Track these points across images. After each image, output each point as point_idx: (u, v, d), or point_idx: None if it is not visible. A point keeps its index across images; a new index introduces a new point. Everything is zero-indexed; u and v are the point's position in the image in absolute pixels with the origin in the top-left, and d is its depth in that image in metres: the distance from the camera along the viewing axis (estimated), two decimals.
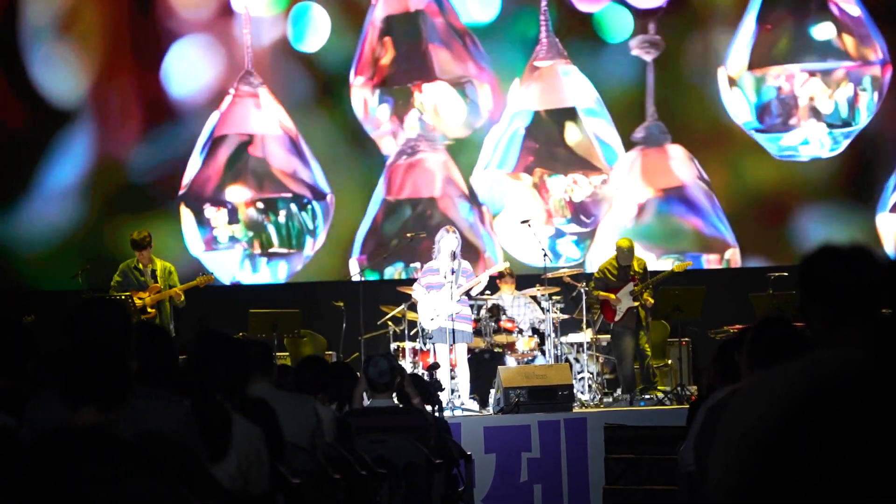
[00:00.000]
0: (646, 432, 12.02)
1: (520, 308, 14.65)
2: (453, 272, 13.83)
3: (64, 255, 15.95)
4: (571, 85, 16.55)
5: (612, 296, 14.32)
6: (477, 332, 14.35)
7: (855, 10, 16.33)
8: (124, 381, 4.24)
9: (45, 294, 15.47)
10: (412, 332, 14.22)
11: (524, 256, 16.05)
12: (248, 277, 16.36)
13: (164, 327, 13.56)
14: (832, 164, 16.56)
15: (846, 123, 16.36)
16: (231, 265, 16.33)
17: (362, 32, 16.52)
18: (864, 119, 16.35)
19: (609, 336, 14.74)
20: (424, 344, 14.00)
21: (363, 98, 16.52)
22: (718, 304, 14.89)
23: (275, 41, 16.54)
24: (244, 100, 16.41)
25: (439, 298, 13.82)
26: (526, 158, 16.48)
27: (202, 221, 16.30)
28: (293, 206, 16.35)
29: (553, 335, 14.32)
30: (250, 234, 16.33)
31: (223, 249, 16.33)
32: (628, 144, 16.58)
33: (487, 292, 14.47)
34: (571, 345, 14.68)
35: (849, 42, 16.32)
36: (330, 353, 14.90)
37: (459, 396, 13.72)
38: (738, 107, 16.44)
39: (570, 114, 16.52)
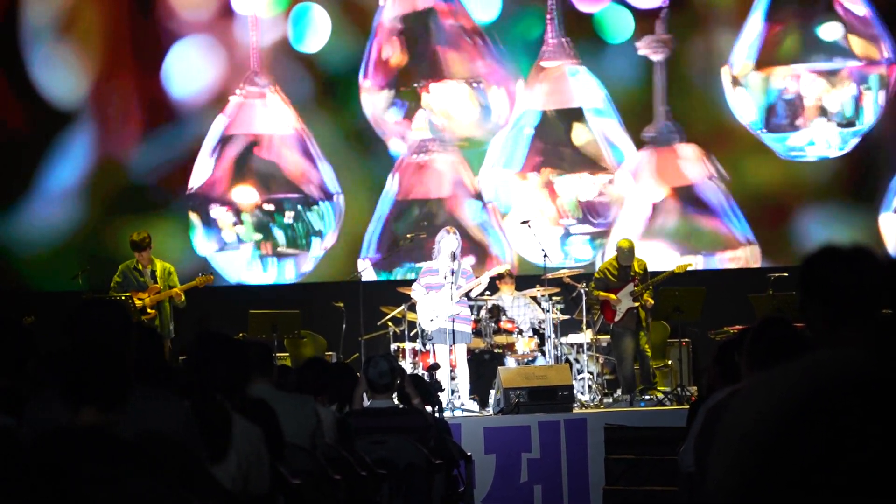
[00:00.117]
0: (646, 433, 12.02)
1: (520, 309, 14.65)
2: (453, 273, 13.84)
3: (64, 255, 15.95)
4: (579, 85, 16.55)
5: (613, 296, 14.32)
6: (477, 333, 14.34)
7: (861, 10, 16.34)
8: (124, 381, 4.24)
9: (46, 294, 15.47)
10: (412, 333, 14.21)
11: (534, 256, 16.02)
12: (255, 278, 16.36)
13: (153, 327, 13.62)
14: (834, 165, 16.56)
15: (853, 123, 16.37)
16: (239, 265, 16.34)
17: (371, 33, 16.53)
18: (871, 119, 16.36)
19: (609, 337, 14.75)
20: (424, 345, 14.00)
21: (373, 99, 16.53)
22: (718, 304, 14.89)
23: (275, 42, 16.54)
24: (252, 100, 16.42)
25: (439, 299, 13.82)
26: (533, 158, 16.49)
27: (210, 222, 16.30)
28: (301, 207, 16.36)
29: (553, 336, 14.32)
30: (258, 234, 16.34)
31: (231, 250, 16.34)
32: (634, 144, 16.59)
33: (487, 293, 14.47)
34: (571, 345, 14.68)
35: (855, 42, 16.33)
36: (330, 353, 14.90)
37: (459, 397, 13.72)
38: (745, 106, 16.44)
39: (578, 114, 16.52)
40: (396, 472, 7.95)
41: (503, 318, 14.52)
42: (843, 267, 3.07)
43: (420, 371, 13.24)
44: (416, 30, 16.58)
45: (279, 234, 16.35)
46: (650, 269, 14.79)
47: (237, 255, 16.35)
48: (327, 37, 16.61)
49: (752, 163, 16.59)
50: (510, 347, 14.41)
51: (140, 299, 13.93)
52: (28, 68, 16.34)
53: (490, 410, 13.64)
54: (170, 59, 16.48)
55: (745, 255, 16.47)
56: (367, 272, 16.20)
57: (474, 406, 13.84)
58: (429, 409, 9.49)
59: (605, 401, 14.20)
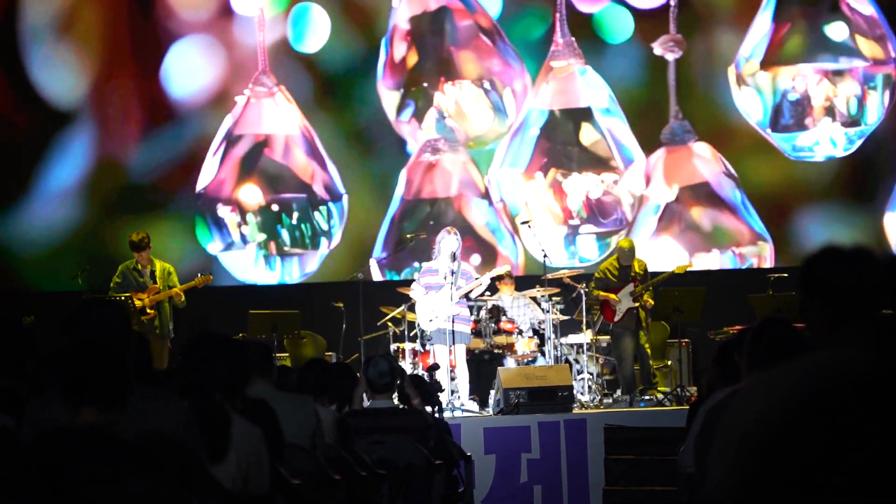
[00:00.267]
0: (645, 433, 12.02)
1: (519, 309, 14.66)
2: (452, 273, 13.84)
3: (63, 255, 15.94)
4: (588, 85, 16.55)
5: (613, 296, 14.32)
6: (477, 334, 14.34)
7: (868, 10, 16.35)
8: (124, 381, 4.24)
9: (45, 295, 15.47)
10: (412, 334, 14.21)
11: (540, 256, 15.99)
12: (262, 278, 16.37)
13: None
14: (838, 165, 16.57)
15: (860, 123, 16.38)
16: (245, 265, 16.35)
17: (387, 33, 16.53)
18: (877, 118, 16.37)
19: (609, 337, 14.75)
20: (424, 345, 14.00)
21: (390, 98, 16.54)
22: (718, 305, 14.89)
23: (275, 42, 16.53)
24: (261, 100, 16.42)
25: (438, 299, 13.82)
26: (540, 158, 16.49)
27: (217, 221, 16.31)
28: (308, 207, 16.37)
29: (553, 336, 14.32)
30: (264, 234, 16.35)
31: (237, 249, 16.35)
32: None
33: (487, 293, 14.47)
34: (571, 346, 14.68)
35: (862, 41, 16.34)
36: (330, 353, 14.90)
37: (459, 397, 13.72)
38: (752, 106, 16.44)
39: (586, 114, 16.52)
40: (396, 472, 7.95)
41: (503, 318, 14.52)
42: (843, 267, 3.07)
43: (420, 371, 13.24)
44: (428, 30, 16.58)
45: (285, 234, 16.36)
46: (664, 267, 14.84)
47: (243, 255, 16.35)
48: (327, 37, 16.61)
49: (754, 162, 16.59)
50: (510, 348, 14.41)
51: (140, 299, 13.93)
52: (27, 68, 16.33)
53: (490, 411, 13.64)
54: (169, 59, 16.47)
55: (761, 252, 16.46)
56: (375, 272, 16.22)
57: (474, 406, 13.84)
58: (429, 409, 9.49)
59: (604, 401, 14.20)
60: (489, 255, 16.26)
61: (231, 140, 16.36)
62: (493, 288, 14.65)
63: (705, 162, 16.53)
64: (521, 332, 14.45)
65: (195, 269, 14.85)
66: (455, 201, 16.52)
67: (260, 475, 5.04)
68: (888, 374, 1.76)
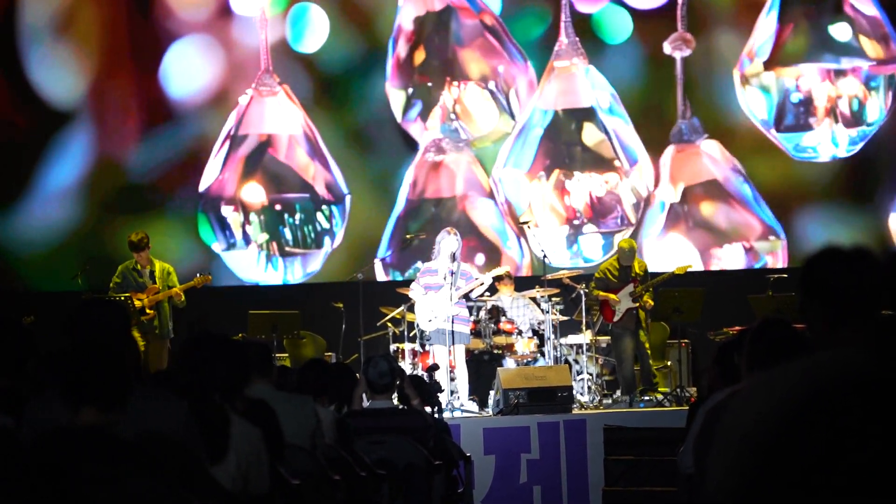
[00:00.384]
0: (645, 434, 12.02)
1: (519, 309, 14.66)
2: (452, 274, 13.84)
3: (63, 255, 15.94)
4: (590, 84, 16.55)
5: (612, 296, 14.32)
6: (476, 334, 14.34)
7: (871, 10, 16.36)
8: (124, 381, 4.24)
9: (45, 295, 15.47)
10: (411, 334, 14.21)
11: (550, 257, 15.97)
12: (264, 277, 16.37)
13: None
14: (840, 165, 16.58)
15: (864, 123, 16.40)
16: (248, 265, 16.35)
17: (392, 33, 16.54)
18: (880, 118, 16.38)
19: (608, 338, 14.75)
20: (423, 346, 14.00)
21: (396, 98, 16.54)
22: (718, 305, 14.89)
23: (273, 42, 16.53)
24: (265, 99, 16.42)
25: (437, 300, 13.82)
26: (544, 158, 16.50)
27: (219, 221, 16.32)
28: (311, 207, 16.37)
29: (552, 337, 14.32)
30: (267, 234, 16.35)
31: (240, 249, 16.35)
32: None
33: (487, 294, 14.47)
34: (571, 346, 14.68)
35: (865, 42, 16.35)
36: (329, 354, 14.91)
37: (459, 398, 13.72)
38: (756, 106, 16.45)
39: (590, 113, 16.52)
40: (396, 472, 7.95)
41: (503, 319, 14.52)
42: (843, 268, 3.07)
43: (419, 372, 13.24)
44: (433, 29, 16.58)
45: (288, 234, 16.36)
46: (673, 266, 14.85)
47: (246, 254, 16.36)
48: (325, 37, 16.61)
49: (756, 162, 16.58)
50: (509, 348, 14.41)
51: (139, 299, 13.93)
52: (26, 68, 16.33)
53: (489, 411, 13.63)
54: (168, 59, 16.47)
55: (774, 248, 16.47)
56: (379, 272, 16.22)
57: (474, 407, 13.84)
58: (428, 409, 9.49)
59: (604, 402, 14.20)
60: (493, 255, 16.26)
61: (234, 139, 16.36)
62: (492, 288, 14.66)
63: (714, 159, 16.54)
64: (520, 333, 14.45)
65: (194, 269, 14.85)
66: (460, 201, 16.53)
67: (260, 475, 5.04)
68: (888, 375, 1.77)
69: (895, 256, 3.11)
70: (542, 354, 14.39)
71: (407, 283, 14.89)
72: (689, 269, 14.98)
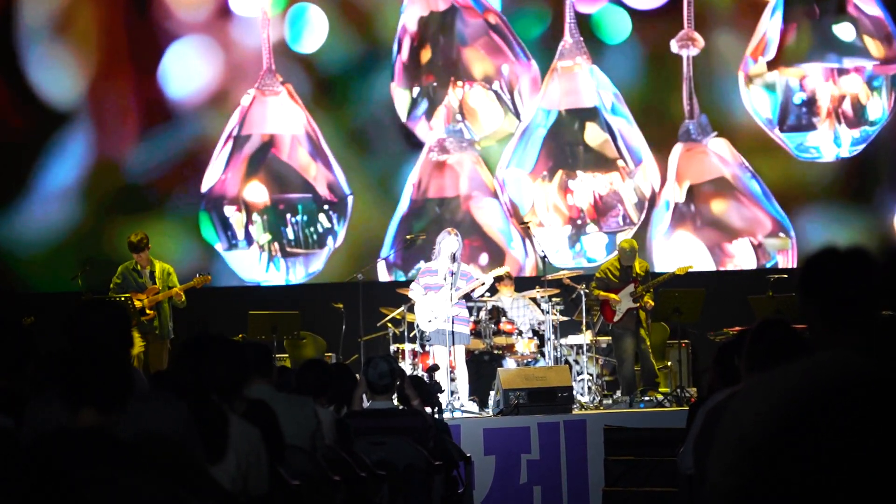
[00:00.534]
0: (645, 434, 12.02)
1: (519, 310, 14.65)
2: (452, 274, 13.83)
3: (62, 256, 15.94)
4: (596, 84, 16.55)
5: (613, 296, 14.32)
6: (476, 334, 14.34)
7: (874, 10, 16.37)
8: (124, 382, 4.24)
9: (45, 295, 15.46)
10: (412, 335, 14.21)
11: (552, 257, 15.96)
12: (266, 277, 16.37)
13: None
14: (839, 165, 16.57)
15: (867, 123, 16.40)
16: (250, 265, 16.35)
17: (397, 33, 16.54)
18: (883, 118, 16.39)
19: (609, 338, 14.75)
20: (423, 346, 14.00)
21: (401, 98, 16.54)
22: (718, 306, 14.89)
23: (273, 43, 16.51)
24: (267, 98, 16.42)
25: (437, 300, 13.82)
26: (547, 158, 16.49)
27: (222, 221, 16.32)
28: (313, 207, 16.37)
29: (552, 337, 14.32)
30: (269, 234, 16.35)
31: (242, 249, 16.35)
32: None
33: (487, 294, 14.47)
34: (571, 347, 14.67)
35: (869, 42, 16.36)
36: (329, 354, 14.91)
37: (459, 398, 13.71)
38: (760, 106, 16.45)
39: (594, 113, 16.52)
40: (396, 473, 7.95)
41: (503, 319, 14.52)
42: (841, 269, 3.07)
43: (419, 372, 13.24)
44: (437, 29, 16.57)
45: (290, 234, 16.36)
46: (680, 264, 14.88)
47: (248, 254, 16.36)
48: (324, 37, 16.60)
49: (758, 162, 16.58)
50: (510, 349, 14.41)
51: (139, 300, 13.94)
52: (24, 69, 16.32)
53: (489, 411, 13.63)
54: (167, 60, 16.47)
55: (784, 245, 16.47)
56: (382, 272, 16.22)
57: (474, 407, 13.83)
58: (428, 410, 9.49)
59: (604, 402, 14.20)
60: (497, 255, 16.25)
61: (237, 139, 16.36)
62: (492, 289, 14.66)
63: (722, 158, 16.54)
64: (520, 333, 14.44)
65: (193, 270, 14.84)
66: (464, 201, 16.53)
67: (259, 476, 5.04)
68: (887, 375, 1.77)
69: (894, 256, 3.11)
70: (543, 355, 14.39)
71: (409, 283, 14.90)
72: (689, 270, 14.98)
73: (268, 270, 16.39)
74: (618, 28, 16.66)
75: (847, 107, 16.40)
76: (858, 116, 16.43)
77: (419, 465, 8.08)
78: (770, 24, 16.44)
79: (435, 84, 16.56)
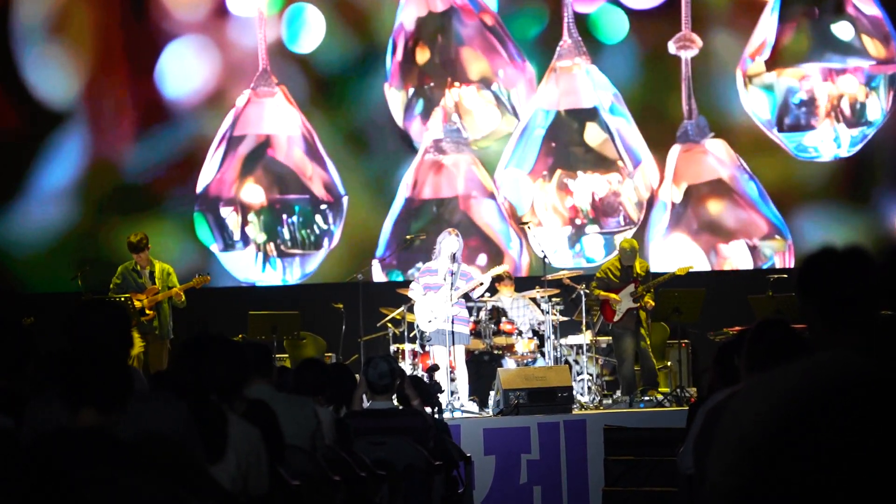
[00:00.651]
0: (645, 434, 12.02)
1: (519, 310, 14.66)
2: (452, 274, 13.84)
3: (59, 256, 15.93)
4: (593, 84, 16.55)
5: (614, 296, 14.31)
6: (476, 334, 14.34)
7: (873, 10, 16.38)
8: (124, 382, 4.24)
9: (45, 296, 15.45)
10: (412, 335, 14.22)
11: (552, 257, 15.96)
12: (262, 278, 16.37)
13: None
14: (838, 165, 16.58)
15: (865, 122, 16.40)
16: (246, 265, 16.35)
17: (392, 34, 16.53)
18: (881, 118, 16.39)
19: (608, 338, 14.75)
20: (424, 346, 14.00)
21: (397, 98, 16.54)
22: (718, 306, 14.89)
23: (270, 43, 16.51)
24: (263, 99, 16.42)
25: (436, 300, 13.82)
26: (546, 158, 16.49)
27: (217, 221, 16.31)
28: (309, 207, 16.38)
29: (552, 337, 14.32)
30: (265, 234, 16.35)
31: (238, 249, 16.35)
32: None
33: (487, 294, 14.47)
34: (571, 347, 14.68)
35: (867, 41, 16.36)
36: (329, 354, 14.91)
37: (459, 398, 13.72)
38: (758, 106, 16.46)
39: (593, 114, 16.52)
40: (396, 473, 7.95)
41: (503, 319, 14.52)
42: (839, 268, 3.07)
43: (419, 372, 13.24)
44: (434, 30, 16.57)
45: (286, 234, 16.36)
46: (677, 265, 14.87)
47: (244, 255, 16.36)
48: (321, 37, 16.60)
49: (755, 162, 16.58)
50: (509, 349, 14.41)
51: (139, 300, 13.94)
52: (20, 68, 16.30)
53: (489, 411, 13.63)
54: (164, 60, 16.46)
55: (778, 248, 16.47)
56: (377, 272, 16.21)
57: (474, 407, 13.84)
58: (428, 410, 9.49)
59: (604, 402, 14.20)
60: (496, 255, 16.25)
61: (231, 140, 16.36)
62: (492, 289, 14.66)
63: (720, 159, 16.54)
64: (520, 333, 14.45)
65: (190, 269, 14.85)
66: (461, 201, 16.53)
67: (259, 475, 5.04)
68: (887, 375, 1.77)
69: (894, 256, 3.11)
70: (542, 355, 14.39)
71: (407, 283, 14.89)
72: (690, 270, 14.98)
73: (264, 271, 16.39)
74: (615, 28, 16.66)
75: (845, 106, 16.40)
76: (857, 116, 16.43)
77: (419, 465, 8.08)
78: (769, 24, 16.43)
79: (431, 84, 16.55)
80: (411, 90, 16.55)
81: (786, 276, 14.66)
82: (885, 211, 16.47)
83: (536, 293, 14.61)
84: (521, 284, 15.20)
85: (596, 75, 16.55)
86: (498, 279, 14.65)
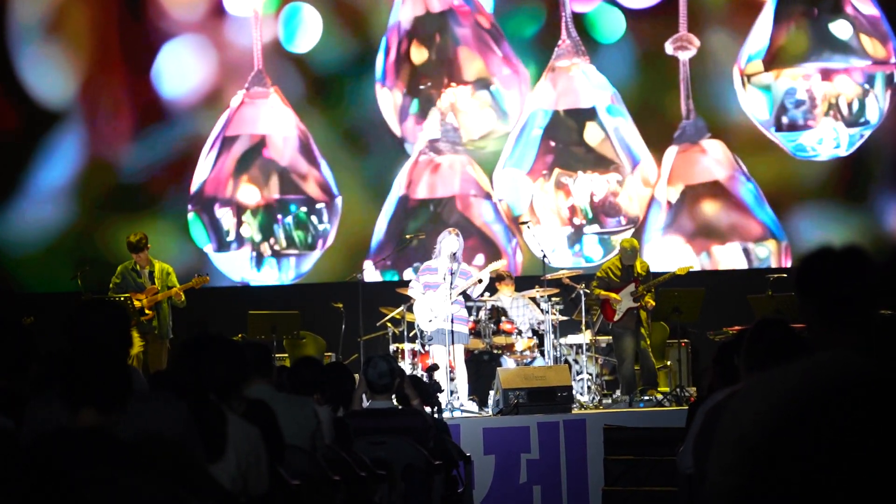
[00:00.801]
0: (645, 434, 12.03)
1: (519, 309, 14.66)
2: (451, 273, 13.84)
3: (55, 256, 15.94)
4: (591, 84, 16.55)
5: (614, 295, 14.32)
6: (476, 334, 14.34)
7: (871, 9, 16.39)
8: (124, 382, 4.24)
9: (44, 296, 15.46)
10: (411, 334, 14.22)
11: (551, 257, 15.95)
12: (257, 278, 16.37)
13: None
14: (835, 164, 16.58)
15: (863, 122, 16.41)
16: (240, 265, 16.34)
17: (386, 34, 16.53)
18: (879, 117, 16.40)
19: (608, 337, 14.76)
20: (423, 346, 14.00)
21: (389, 100, 16.54)
22: (718, 305, 14.89)
23: (266, 42, 16.51)
24: (257, 100, 16.42)
25: (435, 299, 13.82)
26: (545, 158, 16.49)
27: (212, 221, 16.31)
28: (303, 208, 16.37)
29: (552, 337, 14.32)
30: (259, 234, 16.35)
31: (233, 250, 16.35)
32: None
33: (487, 294, 14.47)
34: (570, 346, 14.68)
35: (865, 41, 16.37)
36: (329, 354, 14.91)
37: (458, 398, 13.72)
38: (756, 105, 16.46)
39: (591, 113, 16.51)
40: (395, 472, 7.95)
41: (503, 319, 14.52)
42: (837, 268, 3.07)
43: (419, 372, 13.24)
44: (430, 30, 16.57)
45: (281, 235, 16.35)
46: (673, 265, 14.87)
47: (238, 255, 16.35)
48: (318, 37, 16.60)
49: (753, 162, 16.58)
50: (509, 348, 14.41)
51: (138, 300, 13.94)
52: (17, 68, 16.30)
53: (489, 411, 13.64)
54: (160, 59, 16.46)
55: (772, 250, 16.47)
56: (371, 272, 16.20)
57: (473, 407, 13.84)
58: (428, 409, 9.49)
59: (604, 401, 14.20)
60: (493, 255, 16.25)
61: (224, 141, 16.35)
62: (492, 288, 14.66)
63: (717, 160, 16.54)
64: (520, 333, 14.45)
65: (188, 269, 14.85)
66: (457, 201, 16.53)
67: (259, 475, 5.04)
68: (887, 375, 1.77)
69: (893, 255, 3.11)
70: (542, 354, 14.39)
71: (403, 283, 14.90)
72: (690, 270, 14.98)
73: (258, 271, 16.38)
74: (612, 27, 16.65)
75: (843, 106, 16.41)
76: (854, 115, 16.44)
77: (419, 464, 8.08)
78: (766, 24, 16.44)
79: (428, 84, 16.54)
80: (406, 90, 16.54)
81: (785, 275, 14.67)
82: (882, 210, 16.48)
83: (536, 293, 14.62)
84: (521, 284, 15.20)
85: (595, 75, 16.55)
86: (498, 278, 14.65)
